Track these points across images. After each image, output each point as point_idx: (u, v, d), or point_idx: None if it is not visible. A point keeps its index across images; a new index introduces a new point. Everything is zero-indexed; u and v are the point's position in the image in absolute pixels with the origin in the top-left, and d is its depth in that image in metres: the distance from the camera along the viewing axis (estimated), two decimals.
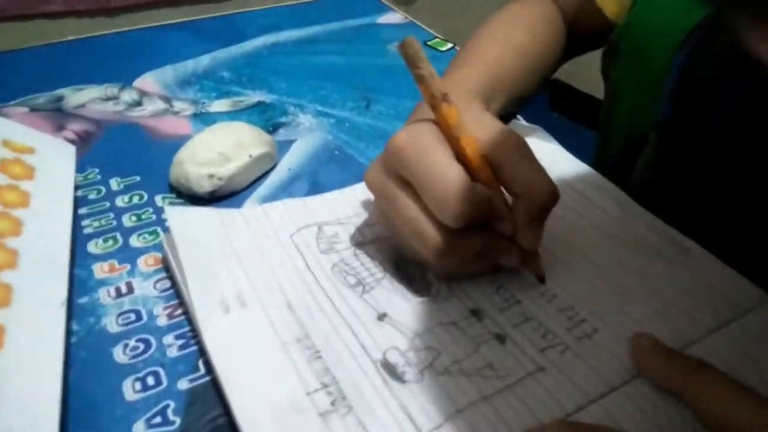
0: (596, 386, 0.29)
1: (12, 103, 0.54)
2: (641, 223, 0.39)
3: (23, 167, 0.37)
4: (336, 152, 0.48)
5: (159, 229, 0.40)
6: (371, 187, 0.34)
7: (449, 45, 0.66)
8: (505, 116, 0.52)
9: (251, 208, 0.39)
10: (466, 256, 0.32)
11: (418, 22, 0.72)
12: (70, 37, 0.67)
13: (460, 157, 0.32)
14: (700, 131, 0.40)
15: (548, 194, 0.32)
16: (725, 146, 0.39)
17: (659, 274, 0.35)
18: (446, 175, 0.30)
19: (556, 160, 0.45)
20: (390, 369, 0.30)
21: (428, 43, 0.66)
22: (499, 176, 0.33)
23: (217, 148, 0.42)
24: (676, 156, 0.41)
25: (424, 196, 0.31)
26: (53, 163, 0.40)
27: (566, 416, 0.28)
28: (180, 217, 0.37)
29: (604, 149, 0.50)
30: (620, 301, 0.34)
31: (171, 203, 0.42)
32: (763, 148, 0.36)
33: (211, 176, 0.41)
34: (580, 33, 0.54)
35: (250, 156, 0.43)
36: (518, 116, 0.53)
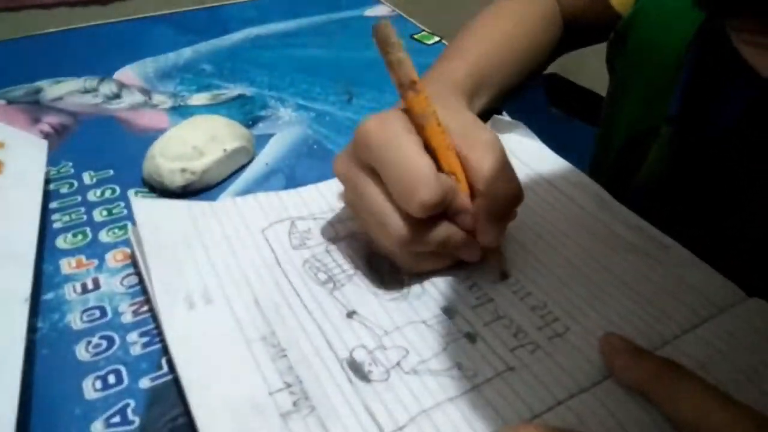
0: (565, 387, 0.29)
1: None
2: (619, 219, 0.38)
3: None
4: (315, 147, 0.48)
5: (129, 224, 0.39)
6: (338, 174, 0.34)
7: (435, 39, 0.65)
8: (492, 110, 0.52)
9: (222, 202, 0.39)
10: (429, 246, 0.32)
11: (405, 15, 0.71)
12: (54, 29, 0.66)
13: (428, 146, 0.32)
14: (714, 125, 0.39)
15: (510, 195, 0.32)
16: (740, 141, 0.37)
17: (635, 272, 0.35)
18: (412, 163, 0.30)
19: (535, 155, 0.44)
20: (356, 368, 0.29)
21: (414, 36, 0.65)
22: (465, 171, 0.32)
23: (191, 142, 0.42)
24: (690, 150, 0.40)
25: (390, 184, 0.30)
26: (23, 157, 0.39)
27: (533, 418, 0.27)
28: (147, 210, 0.36)
29: (607, 140, 0.49)
30: (594, 299, 0.33)
31: (143, 197, 0.42)
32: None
33: (183, 170, 0.41)
34: (583, 25, 0.53)
35: (225, 150, 0.42)
36: (503, 112, 0.52)
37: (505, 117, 0.50)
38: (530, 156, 0.44)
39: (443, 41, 0.64)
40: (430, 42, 0.64)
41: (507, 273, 0.34)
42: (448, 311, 0.33)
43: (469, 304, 0.33)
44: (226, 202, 0.39)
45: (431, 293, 0.34)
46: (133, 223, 0.39)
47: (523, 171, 0.43)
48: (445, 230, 0.32)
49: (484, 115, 0.46)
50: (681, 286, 0.34)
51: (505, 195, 0.32)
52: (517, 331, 0.32)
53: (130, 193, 0.42)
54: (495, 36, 0.49)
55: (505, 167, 0.32)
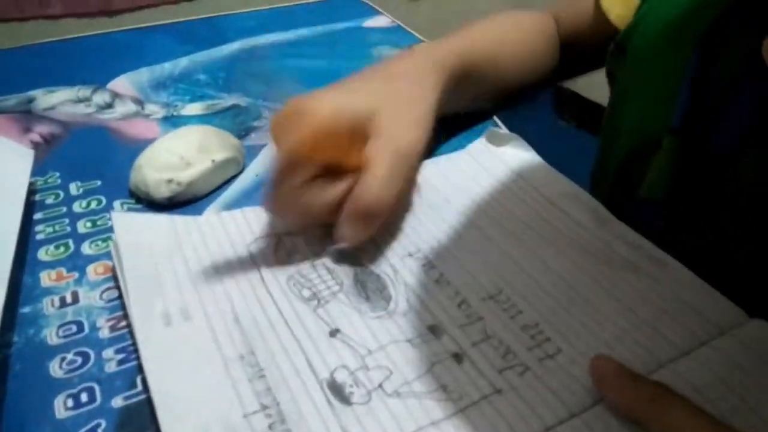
0: (555, 412, 0.27)
1: None
2: (617, 236, 0.37)
3: None
4: None
5: (113, 236, 0.38)
6: None
7: None
8: (484, 110, 0.51)
9: (208, 217, 0.38)
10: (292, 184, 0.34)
11: (403, 26, 0.70)
12: (51, 39, 0.66)
13: None
14: (719, 140, 0.37)
15: (370, 203, 0.34)
16: (746, 158, 0.36)
17: (632, 291, 0.33)
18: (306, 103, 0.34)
19: (531, 169, 0.43)
20: (336, 390, 0.28)
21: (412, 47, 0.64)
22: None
23: (179, 152, 0.41)
24: (694, 164, 0.38)
25: None
26: (7, 167, 0.39)
27: None
28: (127, 224, 0.35)
29: (609, 151, 0.47)
30: (588, 319, 0.32)
31: (129, 209, 0.41)
32: None
33: (169, 181, 0.40)
34: (584, 45, 0.53)
35: (213, 161, 0.41)
36: (499, 123, 0.51)
37: (502, 129, 0.49)
38: (526, 169, 0.43)
39: None
40: None
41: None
42: (435, 330, 0.32)
43: (457, 323, 0.32)
44: (211, 217, 0.38)
45: (418, 311, 0.33)
46: None
47: (518, 184, 0.42)
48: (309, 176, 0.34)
49: (472, 111, 0.46)
50: (679, 307, 0.32)
51: (365, 202, 0.34)
52: (506, 352, 0.30)
53: (116, 204, 0.41)
54: (493, 33, 0.50)
55: (383, 176, 0.34)
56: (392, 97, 0.38)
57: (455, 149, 0.46)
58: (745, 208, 0.36)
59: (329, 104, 0.35)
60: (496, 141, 0.45)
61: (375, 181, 0.34)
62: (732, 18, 0.36)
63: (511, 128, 0.49)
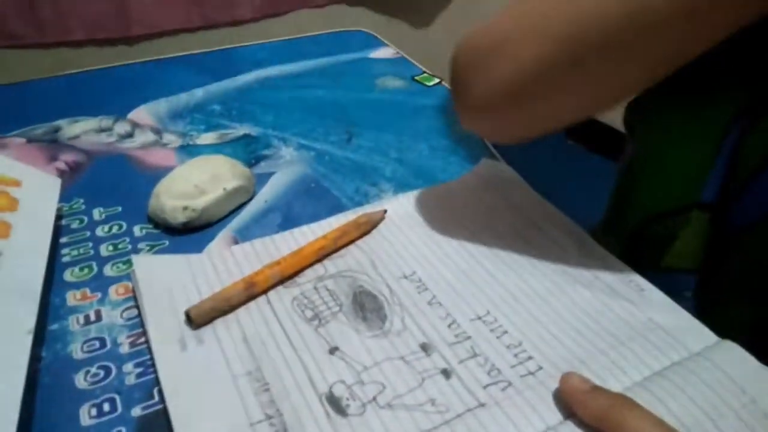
0: (533, 424, 0.30)
1: (11, 134, 0.57)
2: (599, 262, 0.40)
3: (8, 199, 0.40)
4: (312, 185, 0.50)
5: (133, 257, 0.41)
6: None
7: (436, 80, 0.67)
8: (475, 145, 0.53)
9: (219, 252, 0.41)
10: None
11: (408, 57, 0.74)
12: (76, 70, 0.70)
13: None
14: (743, 208, 0.37)
15: None
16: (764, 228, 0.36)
17: (609, 314, 0.36)
18: None
19: (519, 196, 0.46)
20: (334, 402, 0.31)
21: (416, 78, 0.68)
22: None
23: (193, 181, 0.44)
24: (727, 239, 0.38)
25: None
26: (37, 195, 0.42)
27: None
28: (146, 266, 0.38)
29: (625, 208, 0.45)
30: (569, 339, 0.35)
31: (148, 233, 0.44)
32: None
33: (185, 208, 0.43)
34: None
35: (225, 189, 0.45)
36: (495, 153, 0.54)
37: (495, 161, 0.52)
38: (516, 198, 0.46)
39: (443, 83, 0.67)
40: (431, 83, 0.67)
41: None
42: (426, 348, 0.34)
43: (447, 341, 0.35)
44: (223, 253, 0.41)
45: (411, 330, 0.35)
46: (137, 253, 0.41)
47: (509, 211, 0.44)
48: None
49: None
50: (653, 329, 0.35)
51: None
52: (491, 369, 0.33)
53: (138, 229, 0.44)
54: None
55: None
56: None
57: (451, 178, 0.49)
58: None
59: None
60: (489, 171, 0.48)
61: None
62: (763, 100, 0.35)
63: (519, 148, 0.46)
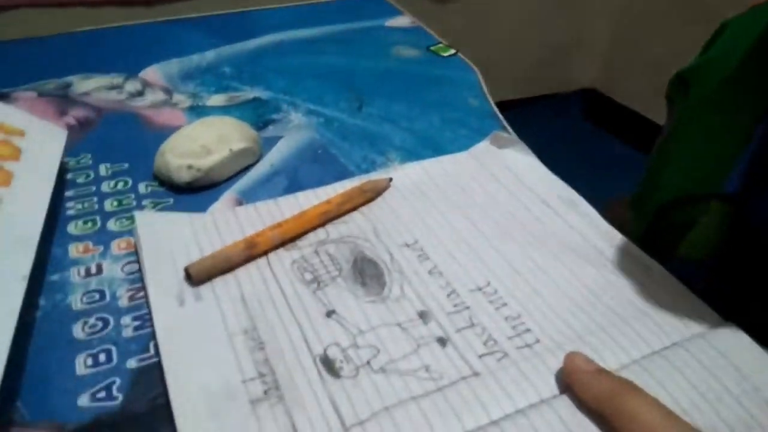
0: (526, 396, 0.30)
1: (23, 87, 0.57)
2: (605, 239, 0.39)
3: (11, 148, 0.40)
4: (319, 151, 0.49)
5: (136, 213, 0.41)
6: None
7: (452, 51, 0.66)
8: (487, 117, 0.53)
9: (223, 213, 0.41)
10: None
11: (425, 27, 0.73)
12: (88, 27, 0.70)
13: None
14: (761, 207, 0.36)
15: None
16: None
17: (614, 292, 0.35)
18: None
19: (529, 171, 0.45)
20: (328, 364, 0.31)
21: (431, 48, 0.67)
22: None
23: (200, 141, 0.44)
24: (747, 235, 0.36)
25: None
26: (42, 146, 0.42)
27: (490, 423, 0.28)
28: (149, 222, 0.38)
29: (653, 185, 0.44)
30: (568, 314, 0.34)
31: (152, 191, 0.44)
32: None
33: (189, 167, 0.43)
34: None
35: (231, 150, 0.44)
36: (506, 127, 0.53)
37: (507, 133, 0.51)
38: (526, 172, 0.45)
39: (459, 54, 0.66)
40: (446, 54, 0.66)
41: None
42: (424, 316, 0.34)
43: (445, 311, 0.34)
44: (227, 213, 0.41)
45: (410, 298, 0.35)
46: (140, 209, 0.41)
47: (516, 186, 0.44)
48: None
49: None
50: (657, 308, 0.34)
51: None
52: (487, 339, 0.33)
53: (143, 186, 0.44)
54: None
55: None
56: None
57: (460, 150, 0.48)
58: None
59: None
60: (500, 144, 0.48)
61: None
62: None
63: (537, 125, 0.47)
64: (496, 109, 0.57)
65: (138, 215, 0.39)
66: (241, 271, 0.36)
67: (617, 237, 0.39)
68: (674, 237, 0.40)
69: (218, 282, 0.35)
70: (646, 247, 0.39)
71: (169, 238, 0.38)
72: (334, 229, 0.40)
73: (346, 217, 0.41)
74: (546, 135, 0.54)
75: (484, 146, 0.48)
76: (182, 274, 0.35)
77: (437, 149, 0.50)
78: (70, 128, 0.51)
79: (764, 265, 0.36)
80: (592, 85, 1.94)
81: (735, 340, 0.32)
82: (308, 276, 0.36)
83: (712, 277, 0.38)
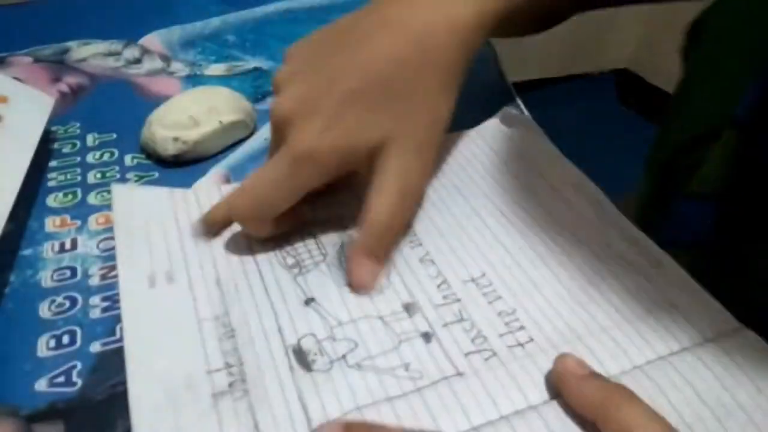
0: (513, 401, 0.27)
1: (20, 52, 0.55)
2: (615, 229, 0.36)
3: None
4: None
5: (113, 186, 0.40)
6: None
7: None
8: (501, 93, 0.49)
9: (207, 189, 0.38)
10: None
11: None
12: None
13: None
14: None
15: (377, 225, 0.32)
16: None
17: (619, 288, 0.32)
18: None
19: (539, 154, 0.42)
20: (300, 356, 0.29)
21: None
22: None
23: (189, 112, 0.42)
24: (756, 161, 0.36)
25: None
26: (24, 114, 0.40)
27: (471, 429, 0.26)
28: (126, 197, 0.36)
29: (667, 136, 0.44)
30: (568, 312, 0.31)
31: (139, 163, 0.42)
32: None
33: (176, 140, 0.41)
34: None
35: (221, 122, 0.42)
36: (520, 105, 0.50)
37: (522, 110, 0.48)
38: (534, 154, 0.42)
39: None
40: None
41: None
42: (409, 308, 0.31)
43: (434, 303, 0.32)
44: (211, 190, 0.38)
45: (396, 287, 0.33)
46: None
47: (523, 168, 0.40)
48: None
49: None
50: (666, 309, 0.31)
51: (371, 226, 0.32)
52: (476, 336, 0.30)
53: (129, 158, 0.42)
54: None
55: (389, 194, 0.32)
56: (399, 128, 0.33)
57: (467, 127, 0.45)
58: None
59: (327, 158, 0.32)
60: (509, 123, 0.44)
61: (380, 197, 0.32)
62: None
63: (564, 106, 0.46)
64: (511, 87, 0.53)
65: (115, 188, 0.37)
66: (218, 253, 0.34)
67: (629, 228, 0.36)
68: (686, 177, 0.38)
69: (193, 264, 0.33)
70: (654, 200, 0.37)
71: (145, 213, 0.36)
72: (323, 210, 0.37)
73: (337, 196, 0.38)
74: (574, 116, 0.51)
75: (491, 124, 0.45)
76: (157, 252, 0.33)
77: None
78: (62, 95, 0.49)
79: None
80: (624, 66, 1.87)
81: (751, 348, 0.29)
82: (290, 260, 0.34)
83: (721, 211, 0.35)
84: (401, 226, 0.33)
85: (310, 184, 0.33)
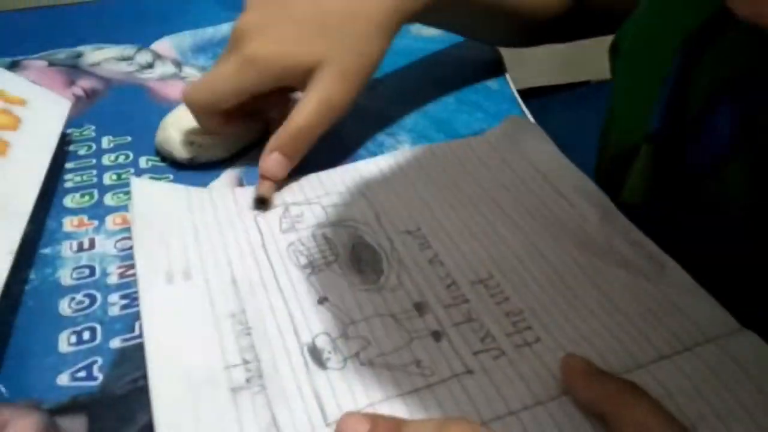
0: (521, 398, 0.28)
1: (34, 56, 0.56)
2: (619, 233, 0.37)
3: (10, 118, 0.39)
4: (327, 131, 0.48)
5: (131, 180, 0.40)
6: None
7: None
8: (504, 101, 0.50)
9: (222, 189, 0.39)
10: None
11: None
12: None
13: None
14: (695, 149, 0.36)
15: (293, 126, 0.39)
16: (718, 169, 0.35)
17: (623, 289, 0.33)
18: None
19: (545, 160, 0.43)
20: (315, 354, 0.30)
21: None
22: None
23: None
24: (672, 175, 0.38)
25: None
26: (43, 116, 0.41)
27: (481, 424, 0.27)
28: (144, 191, 0.37)
29: (602, 153, 0.47)
30: (574, 313, 0.32)
31: (154, 166, 0.43)
32: (760, 177, 0.33)
33: (191, 143, 0.42)
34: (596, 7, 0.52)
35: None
36: (525, 111, 0.51)
37: (523, 117, 0.49)
38: (540, 159, 0.43)
39: None
40: None
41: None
42: (420, 307, 0.32)
43: (443, 303, 0.33)
44: (226, 192, 0.39)
45: (407, 287, 0.33)
46: None
47: (529, 173, 0.42)
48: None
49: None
50: (669, 310, 0.32)
51: (290, 126, 0.39)
52: (485, 336, 0.31)
53: (144, 161, 0.43)
54: None
55: (310, 102, 0.39)
56: (330, 55, 0.39)
57: (474, 134, 0.46)
58: (722, 218, 0.35)
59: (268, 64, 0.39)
60: (516, 129, 0.45)
61: (306, 104, 0.39)
62: (717, 26, 0.34)
63: (566, 113, 0.47)
64: (516, 94, 0.54)
65: (134, 181, 0.37)
66: (234, 252, 0.35)
67: (632, 231, 0.37)
68: (616, 189, 0.40)
69: (209, 261, 0.34)
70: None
71: (163, 209, 0.36)
72: (334, 212, 0.38)
73: (348, 197, 0.39)
74: (575, 123, 0.52)
75: (498, 131, 0.46)
76: (173, 249, 0.34)
77: (450, 133, 0.48)
78: (77, 99, 0.50)
79: (693, 207, 0.36)
80: None
81: (752, 349, 0.30)
82: (303, 260, 0.35)
83: (651, 220, 0.37)
84: (313, 132, 0.40)
85: (252, 85, 0.39)
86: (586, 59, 1.88)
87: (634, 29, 0.41)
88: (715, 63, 0.34)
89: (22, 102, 0.40)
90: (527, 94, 0.55)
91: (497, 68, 0.57)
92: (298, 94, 0.41)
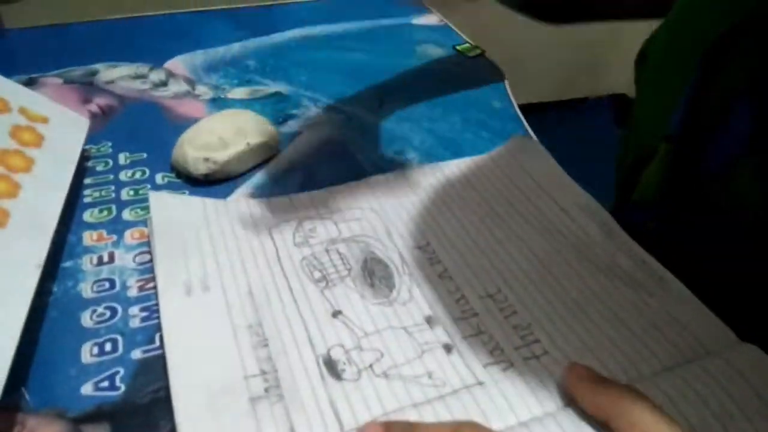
0: (529, 408, 0.29)
1: (50, 73, 0.58)
2: (622, 250, 0.38)
3: (33, 135, 0.40)
4: (337, 148, 0.49)
5: (150, 194, 0.42)
6: None
7: (478, 51, 0.65)
8: (509, 120, 0.51)
9: (237, 202, 0.41)
10: None
11: (452, 26, 0.72)
12: (120, 15, 0.71)
13: None
14: (711, 151, 0.37)
15: None
16: (734, 172, 0.36)
17: (626, 303, 0.35)
18: None
19: (548, 177, 0.44)
20: (330, 365, 0.31)
21: (457, 47, 0.66)
22: None
23: (218, 133, 0.44)
24: (686, 174, 0.39)
25: None
26: (64, 134, 0.42)
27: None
28: (162, 204, 0.38)
29: (623, 158, 0.48)
30: (579, 326, 0.33)
31: (169, 182, 0.44)
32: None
33: (206, 160, 0.43)
34: None
35: (248, 144, 0.44)
36: (528, 130, 0.52)
37: (527, 137, 0.50)
38: (544, 177, 0.44)
39: (485, 55, 0.65)
40: (472, 54, 0.65)
41: None
42: (431, 321, 0.33)
43: (453, 316, 0.34)
44: (240, 202, 0.41)
45: (418, 301, 0.35)
46: None
47: (534, 191, 0.43)
48: None
49: None
50: (670, 323, 0.33)
51: None
52: (494, 348, 0.32)
53: (160, 177, 0.45)
54: None
55: None
56: None
57: (480, 152, 0.47)
58: (731, 220, 0.36)
59: None
60: (520, 148, 0.47)
61: None
62: (738, 34, 0.36)
63: (564, 129, 0.50)
64: (519, 112, 0.56)
65: (152, 195, 0.39)
66: (249, 265, 0.36)
67: (634, 248, 0.38)
68: (631, 191, 0.42)
69: (226, 273, 0.35)
70: (617, 211, 0.41)
71: (181, 222, 0.38)
72: (346, 228, 0.39)
73: (359, 214, 0.40)
74: (573, 140, 0.53)
75: (504, 150, 0.47)
76: (191, 261, 0.35)
77: (457, 151, 0.49)
78: (93, 116, 0.51)
79: (703, 208, 0.37)
80: (622, 91, 1.90)
81: (753, 360, 0.31)
82: (317, 274, 0.36)
83: (661, 218, 0.39)
84: None
85: None
86: (584, 76, 1.91)
87: (662, 39, 0.43)
88: (735, 66, 0.36)
89: (44, 120, 0.42)
90: (527, 110, 0.57)
91: (500, 87, 0.59)
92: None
